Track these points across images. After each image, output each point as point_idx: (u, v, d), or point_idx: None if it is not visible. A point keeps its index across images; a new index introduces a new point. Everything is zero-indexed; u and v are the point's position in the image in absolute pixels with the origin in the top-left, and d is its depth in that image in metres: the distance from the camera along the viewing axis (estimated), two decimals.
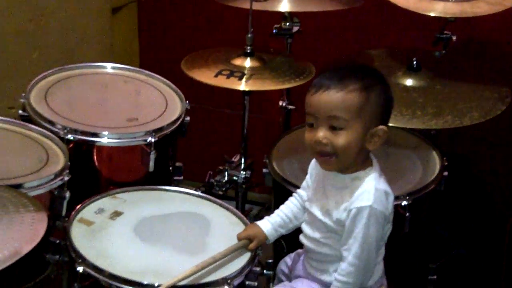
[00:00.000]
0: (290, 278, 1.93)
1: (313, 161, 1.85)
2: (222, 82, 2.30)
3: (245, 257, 1.86)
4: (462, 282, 2.58)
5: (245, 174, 2.49)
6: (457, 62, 2.56)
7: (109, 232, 1.90)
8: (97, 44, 3.01)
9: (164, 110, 2.36)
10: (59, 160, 2.07)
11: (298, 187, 1.97)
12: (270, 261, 1.95)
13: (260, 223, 1.91)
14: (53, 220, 1.91)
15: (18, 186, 1.89)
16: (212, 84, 2.30)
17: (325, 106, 1.67)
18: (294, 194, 1.94)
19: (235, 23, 2.54)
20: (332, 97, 1.66)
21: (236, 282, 1.80)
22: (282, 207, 1.93)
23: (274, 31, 2.63)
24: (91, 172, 2.22)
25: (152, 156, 2.20)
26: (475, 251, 2.70)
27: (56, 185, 1.99)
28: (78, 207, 1.97)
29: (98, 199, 2.03)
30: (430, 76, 2.40)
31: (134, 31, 3.14)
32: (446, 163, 2.25)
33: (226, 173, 2.50)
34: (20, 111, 2.27)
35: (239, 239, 1.88)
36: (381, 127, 1.70)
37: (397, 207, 2.08)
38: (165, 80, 2.49)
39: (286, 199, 1.96)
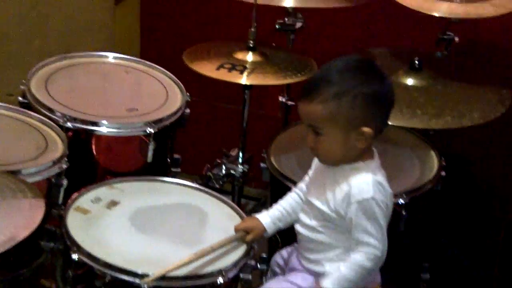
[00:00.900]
0: (284, 270, 1.93)
1: None
2: (224, 75, 2.30)
3: (240, 250, 1.86)
4: (455, 282, 2.58)
5: (242, 168, 2.49)
6: (459, 63, 2.56)
7: (105, 221, 1.90)
8: (99, 33, 3.00)
9: (164, 101, 2.36)
10: (58, 147, 2.07)
11: (295, 183, 1.97)
12: (264, 255, 1.95)
13: (259, 215, 1.92)
14: (50, 207, 1.91)
15: (16, 172, 1.89)
16: (214, 77, 2.29)
17: (303, 115, 1.76)
18: (293, 189, 1.95)
19: (239, 17, 2.54)
20: (306, 108, 1.74)
21: (231, 274, 1.80)
22: (281, 201, 1.94)
23: (277, 26, 2.63)
24: (89, 161, 2.21)
25: (151, 147, 2.20)
26: (469, 251, 2.71)
27: (54, 172, 1.99)
28: (75, 195, 1.98)
29: (95, 188, 2.03)
30: (432, 76, 2.40)
31: (136, 21, 3.14)
32: (444, 163, 2.25)
33: (224, 167, 2.50)
34: (20, 98, 2.26)
35: (237, 231, 1.88)
36: (364, 128, 1.71)
37: (393, 205, 2.09)
38: (166, 71, 2.49)
39: (283, 194, 1.96)
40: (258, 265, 1.91)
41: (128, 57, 2.56)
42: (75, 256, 1.78)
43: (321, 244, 1.81)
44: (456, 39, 2.50)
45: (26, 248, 1.92)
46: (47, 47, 2.78)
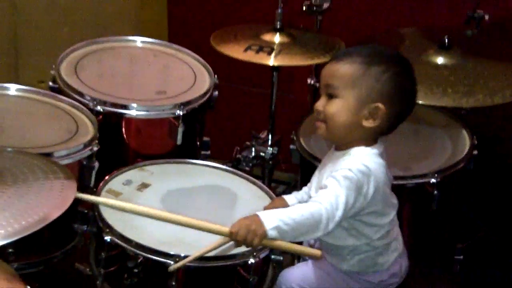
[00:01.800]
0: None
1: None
2: (251, 57, 2.29)
3: None
4: (488, 264, 2.56)
5: (272, 150, 2.49)
6: (489, 41, 2.52)
7: (137, 204, 1.90)
8: (127, 20, 3.02)
9: (192, 84, 2.36)
10: (88, 131, 2.09)
11: None
12: None
13: (286, 197, 1.91)
14: (82, 190, 1.92)
15: (48, 155, 1.91)
16: (241, 59, 2.29)
17: (325, 74, 1.73)
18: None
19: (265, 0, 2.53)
20: (333, 67, 1.71)
21: (262, 255, 1.80)
22: (308, 185, 1.93)
23: (304, 7, 2.61)
24: (120, 144, 2.23)
25: (180, 130, 2.20)
26: (502, 233, 2.68)
27: (85, 155, 2.00)
28: (106, 178, 1.99)
29: (126, 170, 2.04)
30: (462, 54, 2.37)
31: (163, 5, 3.14)
32: (475, 142, 2.23)
33: (253, 149, 2.50)
34: (50, 83, 2.29)
35: None
36: (379, 105, 1.68)
37: (425, 185, 2.07)
38: (194, 54, 2.49)
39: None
40: None
41: (156, 40, 2.56)
42: (107, 238, 1.79)
43: (332, 245, 1.79)
44: (486, 17, 2.47)
45: (58, 230, 1.95)
46: (76, 34, 2.80)
